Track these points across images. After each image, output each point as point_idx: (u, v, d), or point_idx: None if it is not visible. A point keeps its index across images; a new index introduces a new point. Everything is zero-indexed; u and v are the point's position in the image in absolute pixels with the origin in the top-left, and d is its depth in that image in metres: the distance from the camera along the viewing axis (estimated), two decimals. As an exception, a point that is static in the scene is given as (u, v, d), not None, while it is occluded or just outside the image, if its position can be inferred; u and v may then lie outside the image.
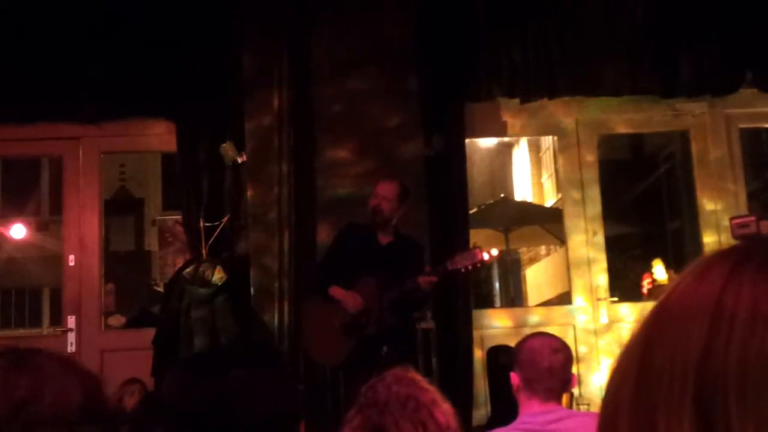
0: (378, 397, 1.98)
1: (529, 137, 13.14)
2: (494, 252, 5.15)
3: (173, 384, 1.50)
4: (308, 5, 6.37)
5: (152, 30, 6.43)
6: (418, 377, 2.08)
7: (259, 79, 6.28)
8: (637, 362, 0.67)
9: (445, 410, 1.99)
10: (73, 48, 6.39)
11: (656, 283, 9.06)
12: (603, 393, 0.72)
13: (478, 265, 4.87)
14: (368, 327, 4.97)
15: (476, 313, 6.47)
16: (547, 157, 14.49)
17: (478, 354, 6.31)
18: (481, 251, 4.87)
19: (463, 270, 4.89)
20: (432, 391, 2.02)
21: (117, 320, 7.74)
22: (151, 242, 17.09)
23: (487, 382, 6.22)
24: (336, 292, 5.08)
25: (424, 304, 5.24)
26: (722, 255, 0.68)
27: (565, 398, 2.91)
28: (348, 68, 6.32)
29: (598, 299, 6.61)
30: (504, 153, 15.54)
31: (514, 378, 2.81)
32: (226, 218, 6.27)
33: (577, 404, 5.78)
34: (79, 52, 6.39)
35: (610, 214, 7.39)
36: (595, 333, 6.57)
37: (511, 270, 15.24)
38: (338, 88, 6.31)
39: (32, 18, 6.42)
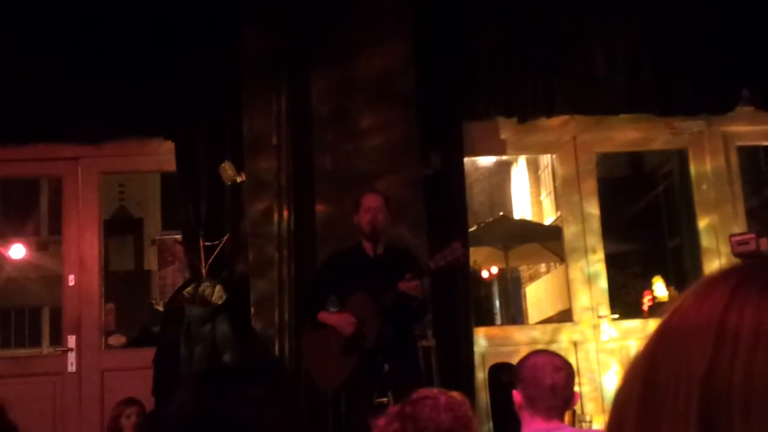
0: (422, 414, 1.94)
1: (527, 155, 13.15)
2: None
3: (185, 400, 1.51)
4: (307, 27, 6.39)
5: (151, 49, 6.45)
6: (471, 415, 2.04)
7: (258, 100, 6.30)
8: (642, 380, 0.67)
9: None
10: (72, 68, 6.40)
11: (657, 301, 9.06)
12: (606, 410, 0.72)
13: (460, 257, 4.93)
14: (366, 340, 4.96)
15: (477, 331, 6.46)
16: (546, 175, 14.50)
17: (480, 372, 6.30)
18: (461, 245, 4.96)
19: (444, 264, 4.91)
20: None
21: (117, 340, 7.72)
22: (151, 262, 17.05)
23: (489, 401, 6.21)
24: (325, 317, 5.10)
25: (420, 313, 5.20)
26: (725, 275, 0.68)
27: (567, 416, 2.91)
28: (347, 88, 6.34)
29: (599, 316, 6.61)
30: (503, 171, 15.54)
31: (517, 396, 2.81)
32: (225, 238, 6.27)
33: (579, 422, 5.77)
34: (78, 72, 6.40)
35: (610, 231, 7.40)
36: (597, 350, 6.56)
37: (512, 288, 15.21)
38: (337, 108, 6.32)
39: (29, 39, 6.44)
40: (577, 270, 6.75)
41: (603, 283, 6.72)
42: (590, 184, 6.87)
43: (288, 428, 1.36)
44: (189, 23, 6.51)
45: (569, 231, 6.85)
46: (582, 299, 6.68)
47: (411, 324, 5.23)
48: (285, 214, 6.09)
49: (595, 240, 6.77)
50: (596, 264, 6.73)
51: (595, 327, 6.60)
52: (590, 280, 6.69)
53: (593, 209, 6.82)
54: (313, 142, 6.30)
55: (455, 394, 2.13)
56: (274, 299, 6.00)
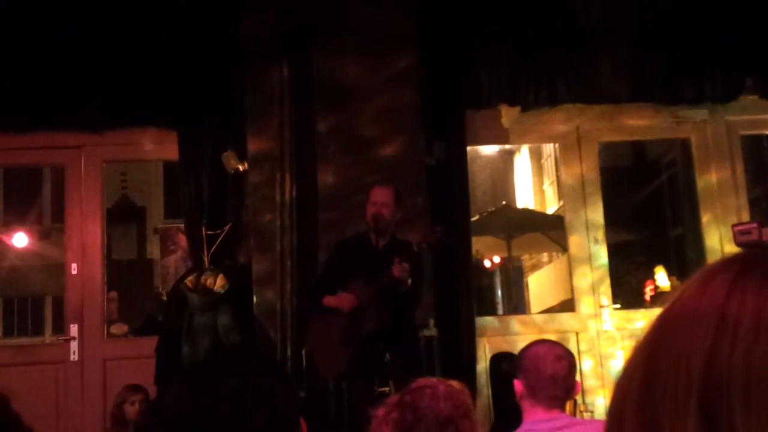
0: (421, 403, 1.94)
1: (530, 144, 13.14)
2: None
3: (169, 396, 1.51)
4: (310, 18, 6.38)
5: (154, 39, 6.44)
6: (470, 403, 2.03)
7: (260, 88, 6.29)
8: (643, 369, 0.67)
9: None
10: (75, 57, 6.40)
11: (659, 290, 9.04)
12: (608, 400, 0.72)
13: (438, 235, 5.11)
14: (363, 326, 4.99)
15: (479, 321, 6.46)
16: (549, 164, 14.48)
17: (481, 361, 6.30)
18: (440, 228, 5.19)
19: (426, 246, 5.12)
20: (475, 425, 1.99)
21: (119, 328, 7.72)
22: (153, 250, 17.08)
23: (490, 390, 6.22)
24: (328, 300, 5.15)
25: (409, 300, 5.21)
26: (726, 263, 0.68)
27: (568, 406, 2.91)
28: (349, 77, 6.33)
29: (601, 306, 6.61)
30: (505, 160, 15.53)
31: (518, 385, 2.81)
32: (228, 226, 6.28)
33: (580, 411, 5.77)
34: (81, 61, 6.40)
35: (612, 221, 7.39)
36: (598, 340, 6.56)
37: (514, 277, 15.21)
38: (340, 97, 6.31)
39: (34, 27, 6.44)
40: (579, 260, 6.75)
41: (605, 272, 6.72)
42: (593, 174, 6.86)
43: (275, 419, 1.33)
44: (191, 11, 6.49)
45: (571, 220, 6.85)
46: (584, 289, 6.68)
47: (410, 313, 5.25)
48: (287, 200, 6.09)
49: (597, 229, 6.76)
50: (598, 253, 6.73)
51: (597, 316, 6.60)
52: (592, 269, 6.69)
53: (596, 198, 6.82)
54: (316, 131, 6.30)
55: (454, 383, 2.13)
56: (277, 288, 6.01)
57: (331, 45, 6.37)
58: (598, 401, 6.24)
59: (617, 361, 6.41)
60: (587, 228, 6.76)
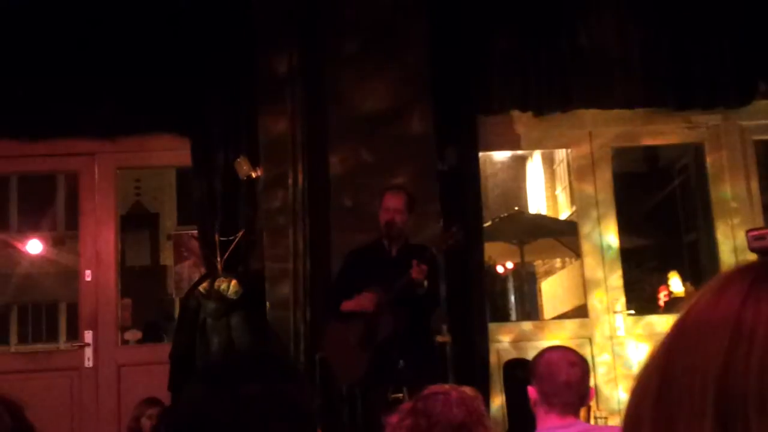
0: (434, 410, 1.94)
1: (542, 150, 13.12)
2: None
3: (187, 399, 1.49)
4: (322, 23, 6.39)
5: (167, 45, 6.47)
6: (483, 409, 2.04)
7: (273, 95, 6.30)
8: (658, 376, 0.67)
9: None
10: (89, 64, 6.43)
11: (672, 296, 9.01)
12: (622, 406, 0.73)
13: (458, 237, 5.12)
14: (380, 331, 4.98)
15: (492, 327, 6.45)
16: (561, 169, 14.45)
17: (495, 368, 6.29)
18: (459, 229, 5.20)
19: (444, 248, 5.16)
20: (489, 430, 1.99)
21: (133, 335, 7.75)
22: (167, 257, 17.12)
23: (504, 396, 6.20)
24: (347, 304, 5.13)
25: (429, 302, 5.20)
26: (741, 271, 0.68)
27: (582, 412, 2.91)
28: (362, 83, 6.33)
29: (615, 312, 6.59)
30: (518, 166, 15.51)
31: (532, 392, 2.80)
32: (241, 233, 6.29)
33: (595, 418, 5.75)
34: (95, 68, 6.43)
35: (626, 226, 7.37)
36: (612, 346, 6.54)
37: (527, 283, 15.18)
38: (352, 102, 6.32)
39: (48, 35, 6.47)
40: (592, 265, 6.73)
41: (618, 278, 6.69)
42: (606, 179, 6.84)
43: (294, 426, 1.32)
44: (205, 19, 6.52)
45: (584, 226, 6.83)
46: (597, 294, 6.66)
47: (426, 319, 5.24)
48: (300, 207, 6.10)
49: (610, 235, 6.74)
50: (612, 259, 6.71)
51: (611, 322, 6.58)
52: (606, 275, 6.67)
53: (609, 204, 6.80)
54: (328, 138, 6.30)
55: (467, 389, 2.13)
56: (290, 293, 6.01)
57: (339, 49, 6.38)
58: (612, 407, 6.21)
59: (631, 368, 6.39)
60: (600, 234, 6.74)
